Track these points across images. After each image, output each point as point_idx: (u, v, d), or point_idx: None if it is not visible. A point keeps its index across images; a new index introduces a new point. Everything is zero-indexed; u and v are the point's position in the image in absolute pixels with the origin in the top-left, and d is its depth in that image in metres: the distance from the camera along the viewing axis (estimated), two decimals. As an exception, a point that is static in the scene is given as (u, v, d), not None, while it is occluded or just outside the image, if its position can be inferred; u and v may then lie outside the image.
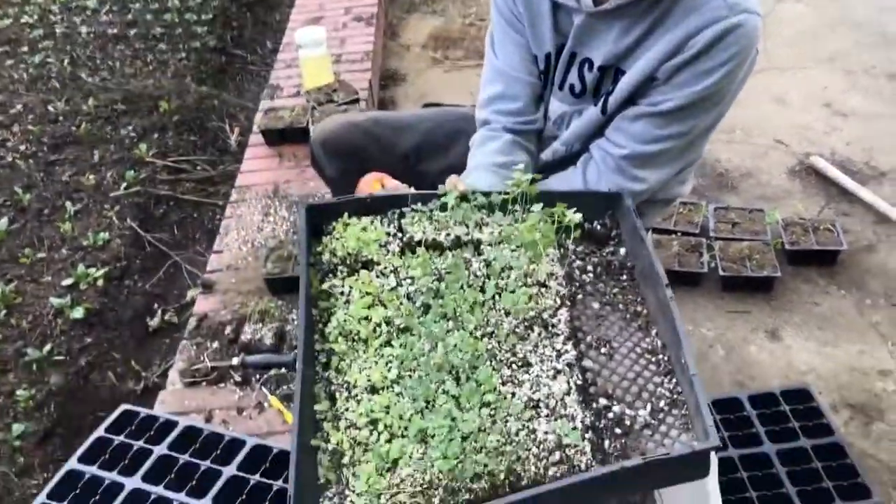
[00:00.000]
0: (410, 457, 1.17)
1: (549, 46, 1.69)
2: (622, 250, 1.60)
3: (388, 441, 1.20)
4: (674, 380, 1.35)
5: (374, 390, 1.27)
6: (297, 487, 1.10)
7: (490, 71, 1.79)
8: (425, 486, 1.15)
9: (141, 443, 1.84)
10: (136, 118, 3.77)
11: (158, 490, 1.73)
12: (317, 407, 1.28)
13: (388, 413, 1.23)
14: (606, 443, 1.28)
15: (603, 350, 1.42)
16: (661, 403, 1.33)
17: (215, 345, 2.57)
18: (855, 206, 3.37)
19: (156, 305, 3.13)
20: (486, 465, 1.19)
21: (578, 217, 1.52)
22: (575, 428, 1.26)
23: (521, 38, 1.72)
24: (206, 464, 1.90)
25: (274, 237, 3.06)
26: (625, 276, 1.56)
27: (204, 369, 2.46)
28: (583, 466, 1.22)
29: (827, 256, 3.04)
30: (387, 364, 1.30)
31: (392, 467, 1.17)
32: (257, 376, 2.23)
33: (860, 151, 3.74)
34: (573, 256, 1.59)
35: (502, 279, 1.49)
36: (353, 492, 1.17)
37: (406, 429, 1.20)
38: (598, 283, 1.53)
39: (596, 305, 1.49)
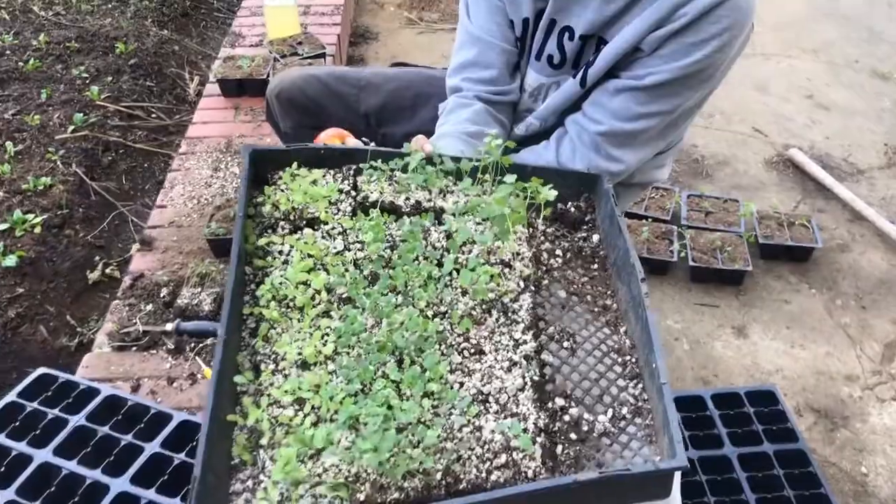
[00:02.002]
0: (337, 445, 1.06)
1: (526, 11, 1.55)
2: (595, 237, 1.44)
3: (315, 425, 1.10)
4: (640, 385, 1.22)
5: (304, 366, 1.16)
6: (203, 466, 0.98)
7: (463, 35, 1.64)
8: (350, 479, 1.04)
9: (56, 411, 1.67)
10: (90, 58, 3.55)
11: (71, 465, 1.57)
12: (237, 378, 1.13)
13: (317, 393, 1.12)
14: (559, 448, 1.14)
15: (565, 344, 1.28)
16: (624, 410, 1.19)
17: (149, 307, 2.39)
18: (831, 202, 3.28)
19: (97, 258, 2.93)
20: (421, 463, 1.05)
21: (553, 194, 1.37)
22: (526, 430, 1.12)
23: (497, 1, 1.56)
24: (127, 438, 1.71)
25: (222, 194, 2.87)
26: (596, 266, 1.42)
27: (135, 333, 2.28)
28: (530, 474, 1.09)
29: (800, 253, 2.94)
30: (322, 338, 1.19)
31: (315, 455, 1.06)
32: (192, 344, 2.07)
33: (839, 147, 3.65)
34: (542, 237, 1.44)
35: (462, 254, 1.34)
36: (269, 477, 1.04)
37: (336, 413, 1.09)
38: (566, 270, 1.39)
39: (562, 294, 1.35)
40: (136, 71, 3.77)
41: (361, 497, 1.07)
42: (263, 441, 1.09)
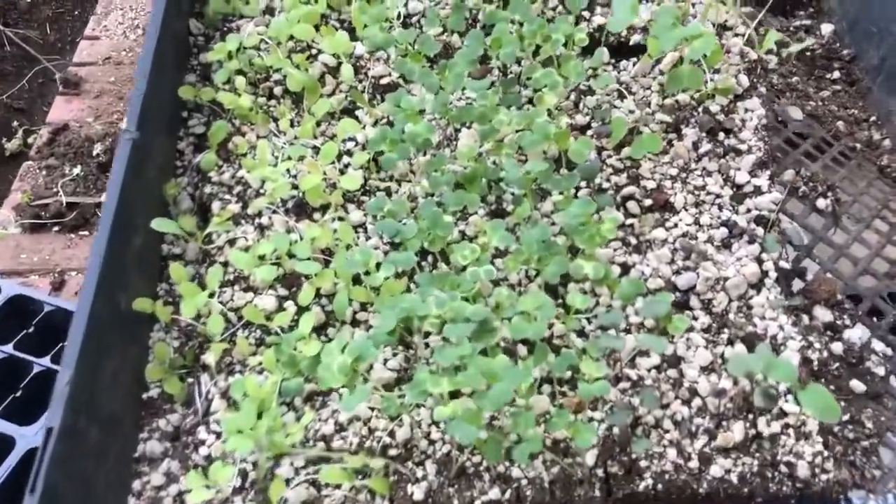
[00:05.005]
0: (365, 379, 0.55)
1: None
2: (826, 27, 0.84)
3: (319, 330, 0.62)
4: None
5: (301, 210, 0.68)
6: (70, 401, 0.56)
7: None
8: (396, 451, 0.56)
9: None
10: None
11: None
12: (159, 224, 0.59)
13: (327, 266, 0.64)
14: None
15: (820, 203, 0.66)
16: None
17: (77, 170, 1.78)
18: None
19: (15, 123, 2.32)
20: (558, 424, 0.52)
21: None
22: (787, 364, 0.53)
23: None
24: (42, 363, 1.09)
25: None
26: (838, 74, 0.80)
27: (56, 206, 1.68)
28: (802, 473, 0.51)
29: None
30: (340, 157, 0.69)
31: (321, 396, 0.59)
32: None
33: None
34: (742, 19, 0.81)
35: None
36: (219, 437, 0.58)
37: (367, 309, 0.62)
38: (790, 77, 0.77)
39: (797, 115, 0.72)
40: None
41: (418, 494, 0.51)
42: (209, 357, 0.61)
